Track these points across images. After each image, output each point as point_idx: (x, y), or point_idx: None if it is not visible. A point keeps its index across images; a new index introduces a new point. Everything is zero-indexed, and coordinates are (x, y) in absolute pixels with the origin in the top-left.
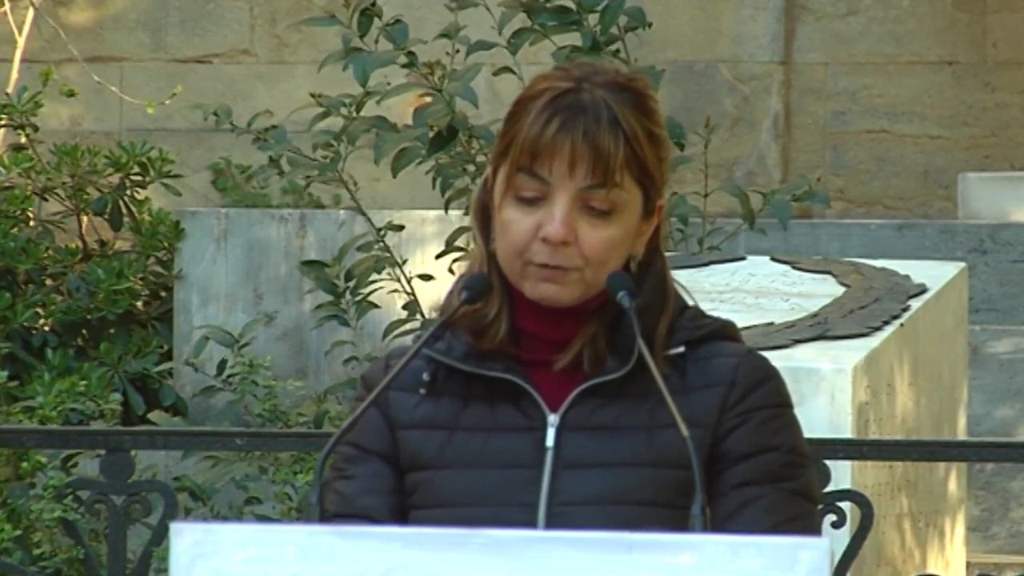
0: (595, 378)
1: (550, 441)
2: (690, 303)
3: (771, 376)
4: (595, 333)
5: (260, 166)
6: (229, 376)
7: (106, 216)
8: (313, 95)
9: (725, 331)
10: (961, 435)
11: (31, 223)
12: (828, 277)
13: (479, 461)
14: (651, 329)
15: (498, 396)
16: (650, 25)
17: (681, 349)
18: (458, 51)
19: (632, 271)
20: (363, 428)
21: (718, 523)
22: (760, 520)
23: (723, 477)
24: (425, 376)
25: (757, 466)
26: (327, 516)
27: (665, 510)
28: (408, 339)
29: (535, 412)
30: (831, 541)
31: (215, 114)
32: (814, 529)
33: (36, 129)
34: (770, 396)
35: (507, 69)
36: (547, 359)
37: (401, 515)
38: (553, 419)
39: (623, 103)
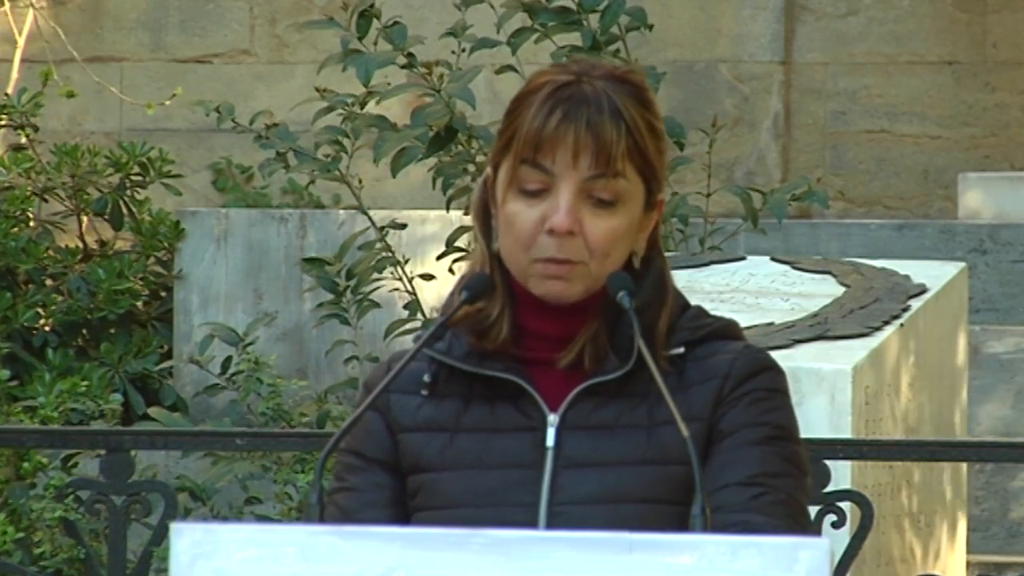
0: (595, 377)
1: (550, 441)
2: (692, 303)
3: (768, 367)
4: (597, 330)
5: (266, 159)
6: (233, 374)
7: (106, 216)
8: (318, 89)
9: (726, 331)
10: (961, 435)
11: (31, 223)
12: (828, 277)
13: (480, 462)
14: (651, 327)
15: (498, 396)
16: (651, 27)
17: (681, 350)
18: (464, 50)
19: (635, 267)
20: (364, 435)
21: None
22: (735, 472)
23: (709, 454)
24: (426, 377)
25: (741, 436)
26: None
27: (666, 507)
28: (409, 339)
29: (535, 412)
30: (831, 541)
31: (217, 111)
32: (801, 491)
33: (36, 129)
34: (763, 382)
35: (510, 67)
36: (548, 357)
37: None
38: (553, 418)
39: (623, 95)
